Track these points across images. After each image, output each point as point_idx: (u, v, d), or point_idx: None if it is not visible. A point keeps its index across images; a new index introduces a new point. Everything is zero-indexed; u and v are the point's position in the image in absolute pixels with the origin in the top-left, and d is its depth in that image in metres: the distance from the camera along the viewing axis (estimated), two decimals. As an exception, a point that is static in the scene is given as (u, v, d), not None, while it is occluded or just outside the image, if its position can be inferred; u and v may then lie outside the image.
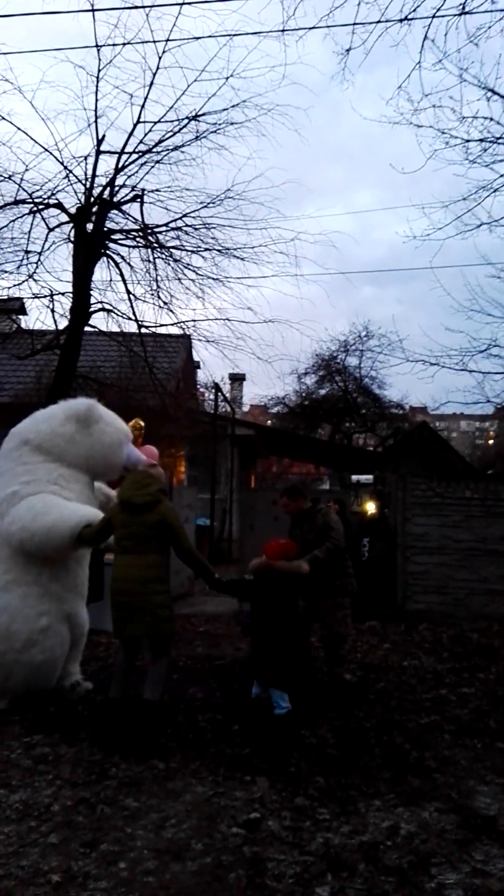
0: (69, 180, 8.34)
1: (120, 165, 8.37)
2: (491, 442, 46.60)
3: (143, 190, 8.58)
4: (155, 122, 8.35)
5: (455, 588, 10.08)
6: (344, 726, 4.99)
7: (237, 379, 23.75)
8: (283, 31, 6.88)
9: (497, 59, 9.92)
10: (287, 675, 5.31)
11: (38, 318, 13.05)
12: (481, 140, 7.72)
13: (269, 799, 3.82)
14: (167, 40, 7.95)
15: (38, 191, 8.26)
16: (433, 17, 6.47)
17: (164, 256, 8.85)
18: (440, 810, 3.75)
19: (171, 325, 9.58)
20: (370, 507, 10.30)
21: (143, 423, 9.31)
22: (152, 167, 8.55)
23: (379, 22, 6.49)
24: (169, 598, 4.93)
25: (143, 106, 8.21)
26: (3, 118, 8.18)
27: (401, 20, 6.49)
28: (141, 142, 8.39)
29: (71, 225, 8.43)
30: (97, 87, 8.14)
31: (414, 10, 6.43)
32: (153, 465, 5.50)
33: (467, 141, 7.74)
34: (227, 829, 3.48)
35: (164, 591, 4.84)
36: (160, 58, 8.07)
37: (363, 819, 3.62)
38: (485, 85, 7.44)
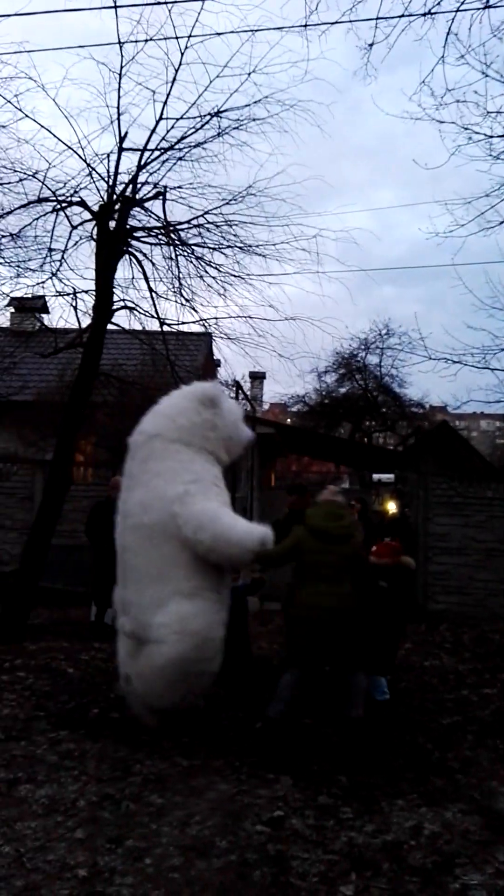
0: (92, 178, 8.37)
1: (142, 163, 8.38)
2: (512, 441, 46.17)
3: (165, 187, 8.58)
4: (177, 119, 8.35)
5: (476, 588, 10.03)
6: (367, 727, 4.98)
7: (257, 377, 23.72)
8: (305, 26, 6.85)
9: (522, 53, 9.80)
10: (388, 662, 5.43)
11: (61, 316, 13.10)
12: (505, 135, 7.64)
13: (293, 797, 3.83)
14: (189, 36, 7.94)
15: (61, 189, 8.29)
16: (457, 11, 6.40)
17: (185, 254, 8.86)
18: (463, 811, 3.75)
19: (193, 322, 9.59)
20: (391, 507, 10.26)
21: None
22: (174, 164, 8.55)
23: (402, 16, 6.45)
24: (357, 625, 4.88)
25: (165, 102, 8.21)
26: (27, 116, 8.24)
27: (424, 14, 6.43)
28: (163, 139, 8.39)
29: (94, 223, 8.46)
30: (119, 84, 8.15)
31: (437, 4, 6.37)
32: (337, 494, 5.46)
33: (491, 137, 7.66)
34: (251, 826, 3.49)
35: (355, 620, 4.82)
36: (182, 54, 8.07)
37: (386, 818, 3.63)
38: (509, 80, 7.36)
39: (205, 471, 4.97)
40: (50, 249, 8.65)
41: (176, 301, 9.10)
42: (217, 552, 4.68)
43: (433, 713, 5.35)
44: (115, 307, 8.64)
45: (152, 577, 4.70)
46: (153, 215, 8.73)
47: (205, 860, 3.17)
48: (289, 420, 28.71)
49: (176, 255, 8.84)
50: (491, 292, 8.66)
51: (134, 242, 8.71)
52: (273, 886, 2.97)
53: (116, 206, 8.38)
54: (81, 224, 8.58)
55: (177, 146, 8.40)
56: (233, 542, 4.67)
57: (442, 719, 5.24)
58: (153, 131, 8.31)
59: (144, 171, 8.43)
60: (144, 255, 8.82)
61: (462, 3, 6.33)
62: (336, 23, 6.70)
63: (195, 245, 8.79)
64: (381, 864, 3.17)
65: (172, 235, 8.73)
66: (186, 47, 7.99)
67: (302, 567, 4.91)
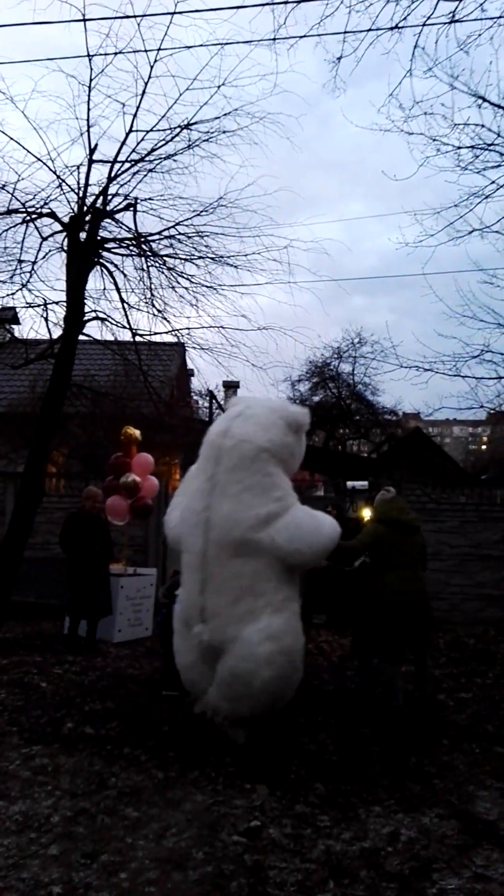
0: (62, 189, 8.35)
1: (112, 174, 8.39)
2: (484, 447, 46.73)
3: (135, 198, 8.59)
4: (147, 131, 8.37)
5: (450, 593, 10.11)
6: (343, 732, 4.98)
7: (231, 386, 23.72)
8: (274, 39, 6.91)
9: (487, 66, 10.00)
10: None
11: (31, 327, 13.07)
12: (472, 147, 7.77)
13: (270, 806, 3.81)
14: (159, 49, 7.98)
15: (30, 200, 8.26)
16: (423, 25, 6.51)
17: (157, 265, 8.86)
18: (440, 816, 3.75)
19: (166, 333, 9.59)
20: (366, 513, 10.30)
21: (132, 431, 9.31)
22: (145, 176, 8.57)
23: (369, 30, 6.54)
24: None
25: (135, 115, 8.23)
26: (-4, 128, 8.19)
27: (391, 28, 6.53)
28: (133, 151, 8.41)
29: (64, 234, 8.43)
30: (89, 96, 8.16)
31: (404, 19, 6.46)
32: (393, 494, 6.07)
33: (458, 148, 7.79)
34: (227, 837, 3.47)
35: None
36: (152, 67, 8.11)
37: (364, 825, 3.62)
38: (475, 92, 7.50)
39: (287, 485, 5.06)
40: (20, 261, 8.60)
41: (148, 312, 9.10)
42: (310, 555, 4.85)
43: (410, 718, 5.36)
44: (86, 318, 8.61)
45: (243, 589, 4.65)
46: (124, 226, 8.73)
47: (181, 872, 3.14)
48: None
49: (147, 266, 8.85)
50: (461, 301, 8.72)
51: (105, 254, 8.70)
52: (250, 897, 2.94)
53: (87, 218, 8.36)
54: (52, 235, 8.56)
55: (147, 158, 8.42)
56: (322, 543, 4.88)
57: (419, 724, 5.25)
58: (123, 143, 8.33)
59: (115, 182, 8.43)
60: (116, 266, 8.82)
61: (428, 18, 6.43)
62: (304, 36, 6.78)
63: (167, 256, 8.80)
64: (358, 871, 3.16)
65: (144, 246, 8.73)
66: (156, 60, 8.02)
67: (381, 557, 5.50)
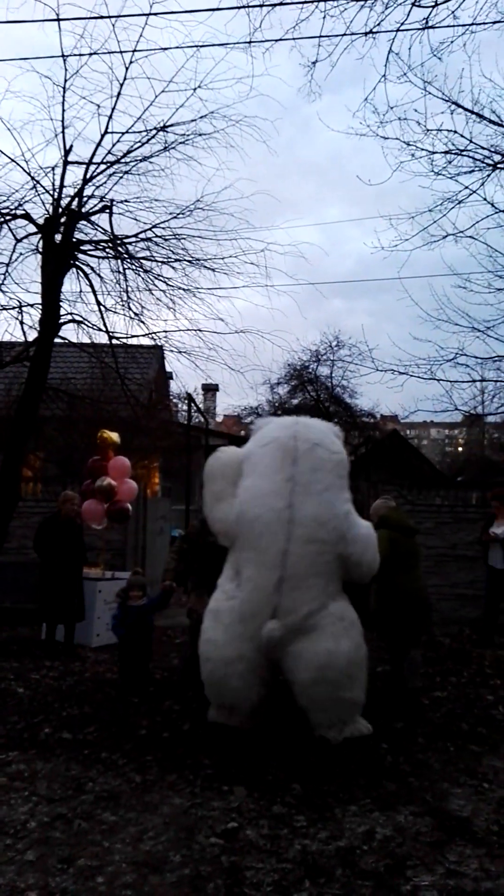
0: (36, 191, 8.31)
1: (88, 176, 8.37)
2: (460, 449, 47.16)
3: (111, 201, 8.57)
4: (123, 133, 8.36)
5: (427, 594, 10.17)
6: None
7: (210, 389, 23.78)
8: (249, 42, 6.93)
9: (460, 72, 10.07)
10: None
11: (6, 330, 12.93)
12: (446, 152, 7.87)
13: (247, 808, 3.83)
14: (134, 51, 7.98)
15: (4, 202, 8.22)
16: (397, 30, 6.57)
17: (134, 267, 8.85)
18: (415, 813, 3.80)
19: (143, 335, 9.56)
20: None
21: (108, 435, 9.27)
22: (121, 178, 8.55)
23: (344, 35, 6.60)
24: None
25: (110, 116, 8.22)
26: (-31, 130, 8.16)
27: (365, 34, 6.59)
28: (109, 152, 8.39)
29: (39, 236, 8.40)
30: (64, 97, 8.13)
31: (378, 24, 6.53)
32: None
33: (432, 153, 7.88)
34: (205, 839, 3.48)
35: None
36: (127, 68, 8.10)
37: (340, 824, 3.65)
38: (449, 98, 7.60)
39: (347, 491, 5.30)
40: (-6, 263, 8.54)
41: (124, 314, 9.07)
42: (369, 569, 5.21)
43: (385, 717, 5.41)
44: (62, 321, 8.57)
45: (316, 581, 4.90)
46: (100, 229, 8.70)
47: (158, 875, 3.14)
48: (242, 432, 28.76)
49: (124, 269, 8.83)
50: (436, 305, 8.82)
51: (81, 256, 8.67)
52: (227, 898, 2.96)
53: (62, 220, 8.33)
54: (26, 237, 8.51)
55: (123, 160, 8.41)
56: (375, 569, 5.28)
57: (394, 723, 5.30)
58: (98, 145, 8.31)
59: (90, 184, 8.41)
60: (92, 268, 8.78)
61: (402, 24, 6.50)
62: (280, 40, 6.81)
63: (143, 258, 8.79)
64: (334, 870, 3.19)
65: (120, 249, 8.71)
66: (131, 62, 8.02)
67: (395, 560, 5.77)
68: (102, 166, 8.38)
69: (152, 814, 3.76)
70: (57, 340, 8.75)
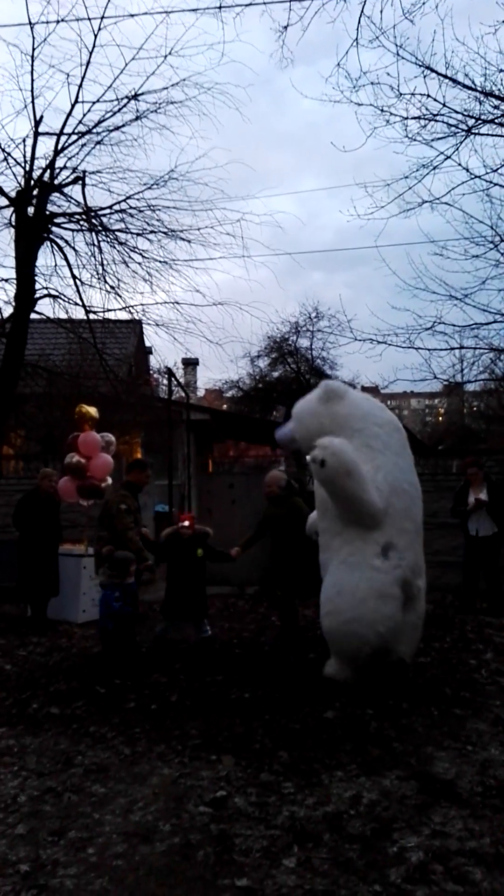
0: (7, 163, 8.14)
1: (59, 147, 8.20)
2: (440, 419, 47.40)
3: (84, 171, 8.42)
4: (94, 102, 8.20)
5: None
6: (306, 701, 5.08)
7: (190, 363, 23.59)
8: (220, 7, 6.80)
9: (433, 35, 9.96)
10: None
11: (-18, 306, 12.68)
12: (419, 117, 7.78)
13: (235, 776, 3.88)
14: (102, 17, 7.81)
15: (-25, 175, 8.07)
16: (369, -8, 6.47)
17: (108, 240, 8.72)
18: (400, 777, 3.87)
19: (120, 309, 9.49)
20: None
21: (86, 410, 9.17)
22: (93, 148, 8.40)
23: (315, -1, 6.48)
24: None
25: (80, 85, 8.05)
26: None
27: (336, -5, 6.48)
28: (80, 122, 8.22)
29: (11, 209, 8.23)
30: (32, 66, 7.95)
31: (351, -13, 6.42)
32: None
33: (406, 118, 7.78)
34: (194, 808, 3.53)
35: None
36: (96, 36, 7.92)
37: (327, 790, 3.71)
38: (422, 62, 7.49)
39: None
40: (-34, 237, 8.37)
41: (101, 288, 8.96)
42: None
43: (369, 683, 5.48)
44: (37, 295, 8.45)
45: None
46: (73, 201, 8.56)
47: (148, 845, 3.18)
48: (224, 405, 28.70)
49: (98, 241, 8.71)
50: (413, 274, 8.80)
51: (55, 229, 8.54)
52: (217, 865, 3.01)
53: (34, 192, 8.17)
54: (-2, 210, 8.34)
55: (94, 130, 8.26)
56: None
57: (378, 689, 5.37)
58: (69, 115, 8.14)
59: (62, 155, 8.27)
60: (66, 241, 8.66)
61: (374, -15, 6.38)
62: (250, 4, 6.70)
63: (118, 231, 8.68)
64: (321, 835, 3.25)
65: (94, 221, 8.58)
66: (100, 29, 7.86)
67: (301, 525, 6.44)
68: (74, 136, 8.24)
69: (141, 785, 3.80)
70: (33, 316, 8.64)
